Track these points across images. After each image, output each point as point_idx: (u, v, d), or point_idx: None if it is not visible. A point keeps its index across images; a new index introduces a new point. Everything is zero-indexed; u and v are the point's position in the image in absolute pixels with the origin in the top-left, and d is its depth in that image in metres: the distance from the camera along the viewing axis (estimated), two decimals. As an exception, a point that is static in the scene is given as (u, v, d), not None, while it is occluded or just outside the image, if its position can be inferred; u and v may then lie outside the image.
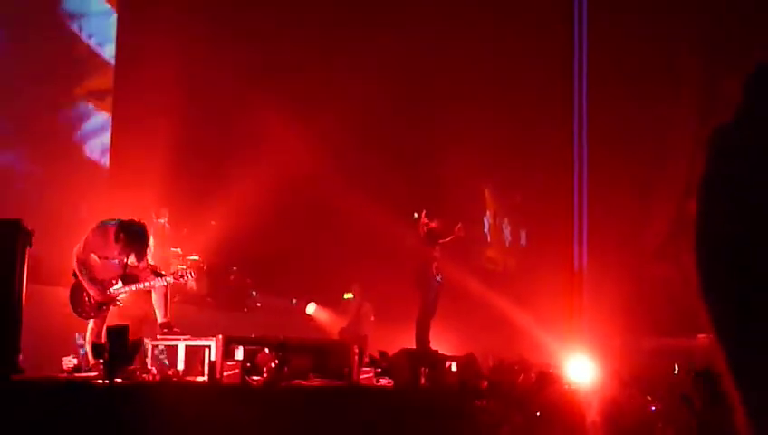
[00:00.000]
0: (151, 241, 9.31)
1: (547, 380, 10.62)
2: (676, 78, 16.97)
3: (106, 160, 14.78)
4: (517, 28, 17.69)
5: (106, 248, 8.61)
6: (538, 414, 9.81)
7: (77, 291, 8.69)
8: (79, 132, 14.55)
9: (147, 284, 8.90)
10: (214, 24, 15.80)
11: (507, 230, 21.83)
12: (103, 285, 8.66)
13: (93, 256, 8.64)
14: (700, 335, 11.78)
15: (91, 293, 8.59)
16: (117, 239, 8.55)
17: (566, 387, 10.69)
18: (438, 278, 12.65)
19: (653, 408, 9.95)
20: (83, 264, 8.60)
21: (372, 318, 15.24)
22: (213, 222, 14.46)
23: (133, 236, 8.63)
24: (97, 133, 14.75)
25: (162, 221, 12.96)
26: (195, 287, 13.62)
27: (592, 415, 9.47)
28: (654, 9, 16.72)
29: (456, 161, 18.61)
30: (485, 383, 10.16)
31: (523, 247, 21.08)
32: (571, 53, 16.81)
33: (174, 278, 9.09)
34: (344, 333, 14.64)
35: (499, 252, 21.34)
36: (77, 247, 8.64)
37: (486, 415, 8.95)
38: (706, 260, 1.34)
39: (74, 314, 8.75)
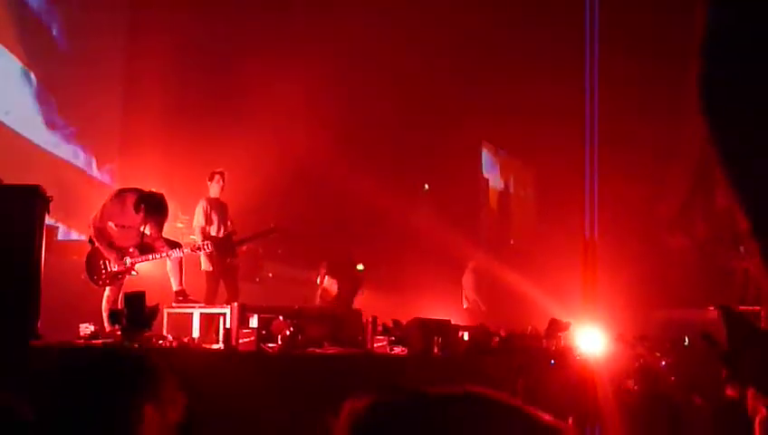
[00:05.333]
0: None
1: (557, 326, 10.74)
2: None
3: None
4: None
5: (123, 216, 8.66)
6: (552, 363, 9.91)
7: (93, 258, 8.75)
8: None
9: (164, 254, 8.97)
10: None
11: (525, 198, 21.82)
12: (120, 253, 8.72)
13: (111, 224, 8.69)
14: (710, 307, 11.80)
15: (110, 259, 8.65)
16: (137, 209, 8.60)
17: (577, 357, 10.77)
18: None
19: (663, 363, 10.06)
20: (100, 231, 8.66)
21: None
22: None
23: (154, 207, 8.69)
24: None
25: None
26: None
27: (604, 383, 9.55)
28: None
29: (468, 130, 18.59)
30: (496, 340, 10.25)
31: (537, 218, 21.08)
32: (583, 14, 16.65)
33: (191, 250, 9.19)
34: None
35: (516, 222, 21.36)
36: (94, 215, 8.69)
37: (501, 370, 9.01)
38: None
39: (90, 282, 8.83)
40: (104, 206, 8.73)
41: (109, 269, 8.70)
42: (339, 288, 12.61)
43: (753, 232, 1.21)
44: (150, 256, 8.91)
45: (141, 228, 8.78)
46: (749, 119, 1.14)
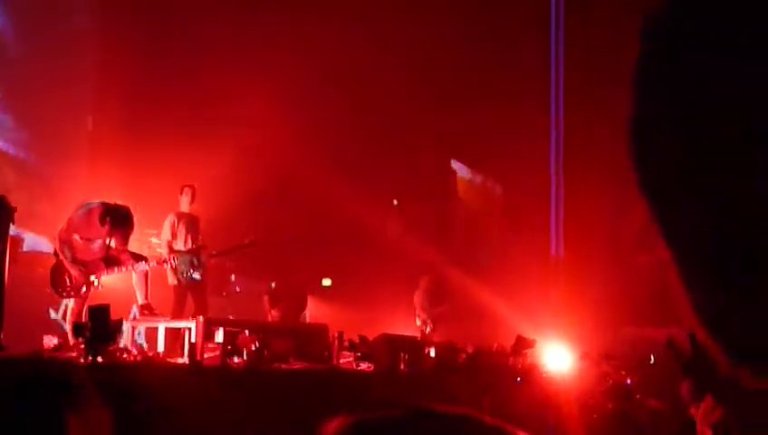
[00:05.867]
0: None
1: (523, 343, 10.75)
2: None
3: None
4: (495, 7, 17.67)
5: (89, 229, 8.61)
6: (518, 380, 9.93)
7: (58, 271, 8.68)
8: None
9: (129, 268, 8.91)
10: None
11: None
12: (85, 267, 8.65)
13: (76, 237, 8.63)
14: (674, 327, 11.84)
15: (73, 273, 8.58)
16: (103, 222, 8.55)
17: (543, 375, 10.79)
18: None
19: (629, 381, 10.12)
20: (66, 244, 8.59)
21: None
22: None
23: (120, 220, 8.64)
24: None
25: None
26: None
27: (570, 401, 9.59)
28: None
29: (434, 147, 18.59)
30: (462, 356, 10.26)
31: (505, 237, 21.09)
32: (549, 35, 16.81)
33: (157, 263, 9.14)
34: None
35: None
36: (60, 228, 8.63)
37: (467, 387, 9.01)
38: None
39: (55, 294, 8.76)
40: (70, 219, 8.67)
41: (73, 282, 8.63)
42: (283, 313, 12.54)
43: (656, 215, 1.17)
44: (116, 269, 8.85)
45: (107, 241, 8.72)
46: (689, 90, 1.11)
